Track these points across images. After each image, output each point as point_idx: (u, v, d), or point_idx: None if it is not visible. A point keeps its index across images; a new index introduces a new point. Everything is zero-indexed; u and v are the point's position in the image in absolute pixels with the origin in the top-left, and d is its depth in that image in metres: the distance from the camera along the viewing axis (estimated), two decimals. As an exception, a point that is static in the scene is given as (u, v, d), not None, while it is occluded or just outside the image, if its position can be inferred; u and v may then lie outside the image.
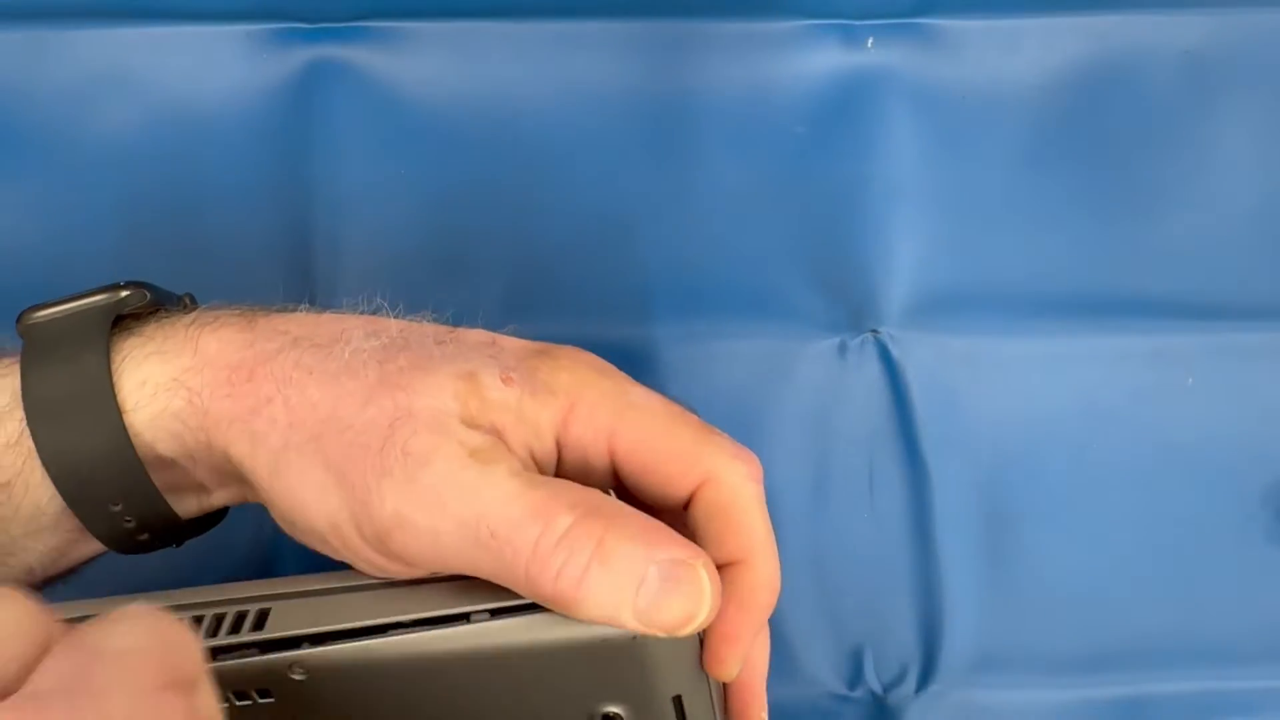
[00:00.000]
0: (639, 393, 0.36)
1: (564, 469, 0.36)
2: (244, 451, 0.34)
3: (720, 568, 0.33)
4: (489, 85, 0.50)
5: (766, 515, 0.36)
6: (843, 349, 0.50)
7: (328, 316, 0.37)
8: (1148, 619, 0.48)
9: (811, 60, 0.51)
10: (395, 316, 0.37)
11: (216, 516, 0.39)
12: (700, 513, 0.35)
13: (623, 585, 0.31)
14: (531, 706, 0.33)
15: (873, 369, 0.50)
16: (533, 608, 0.32)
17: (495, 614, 0.33)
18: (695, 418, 0.36)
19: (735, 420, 0.49)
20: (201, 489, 0.37)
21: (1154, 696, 0.48)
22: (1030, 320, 0.50)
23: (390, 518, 0.32)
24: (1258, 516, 0.49)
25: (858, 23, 0.51)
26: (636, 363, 0.49)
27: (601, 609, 0.31)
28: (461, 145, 0.50)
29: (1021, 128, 0.51)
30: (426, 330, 0.36)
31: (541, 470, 0.35)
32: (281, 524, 0.35)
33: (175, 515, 0.37)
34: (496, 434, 0.33)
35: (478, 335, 0.37)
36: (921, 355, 0.50)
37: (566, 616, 0.32)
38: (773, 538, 0.36)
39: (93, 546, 0.37)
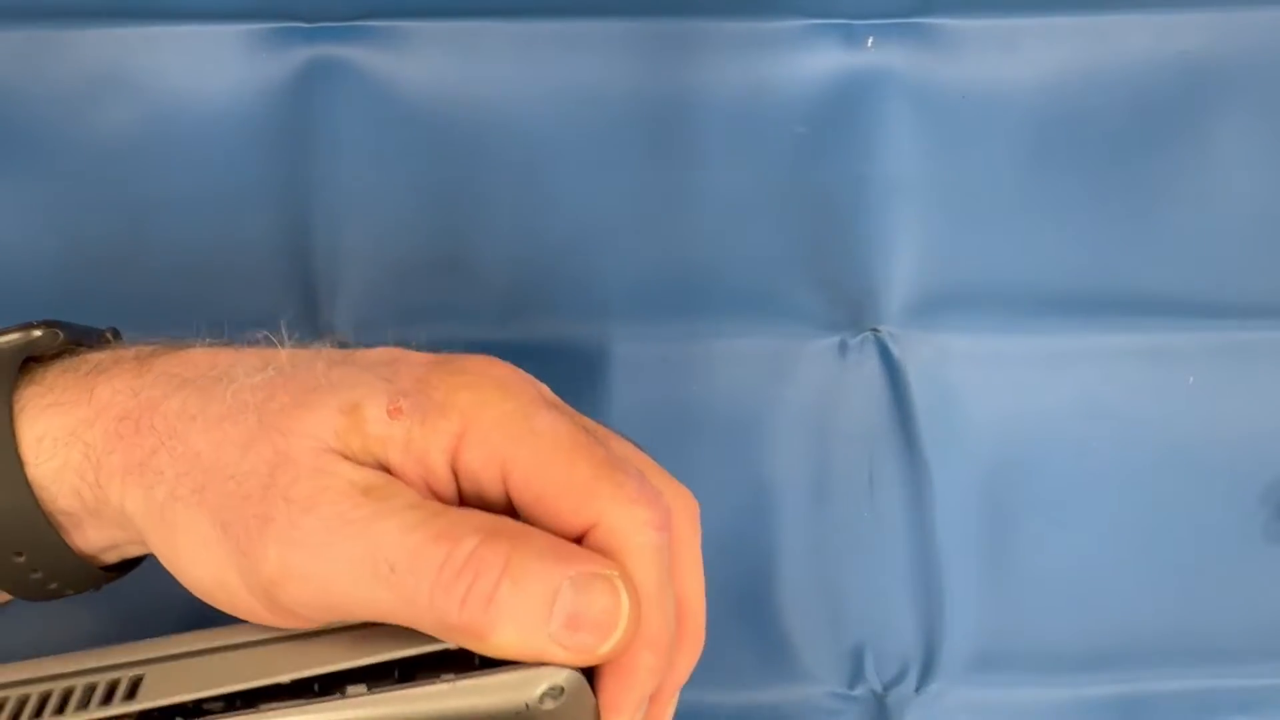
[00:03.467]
0: (546, 418, 0.32)
1: (464, 499, 0.33)
2: (136, 506, 0.33)
3: None
4: (489, 85, 0.50)
5: (663, 568, 0.32)
6: (843, 348, 0.50)
7: (222, 353, 0.35)
8: (1147, 617, 0.49)
9: (811, 60, 0.51)
10: (292, 341, 0.35)
11: (138, 560, 0.38)
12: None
13: (536, 603, 0.29)
14: None
15: (873, 368, 0.50)
16: (430, 661, 0.31)
17: (373, 684, 0.31)
18: (604, 452, 0.32)
19: (735, 420, 0.49)
20: (114, 539, 0.36)
21: (1153, 695, 0.48)
22: (1030, 319, 0.50)
23: (276, 569, 0.30)
24: (1257, 515, 0.49)
25: (858, 22, 0.51)
26: (637, 363, 0.49)
27: (515, 631, 0.29)
28: (461, 145, 0.50)
29: (1021, 127, 0.51)
30: (319, 356, 0.34)
31: (441, 501, 0.33)
32: (177, 578, 0.34)
33: (88, 564, 0.36)
34: (385, 470, 0.32)
35: (377, 354, 0.35)
36: (922, 354, 0.50)
37: (458, 683, 0.30)
38: (666, 595, 0.32)
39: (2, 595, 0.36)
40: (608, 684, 0.32)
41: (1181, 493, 0.49)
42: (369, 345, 0.48)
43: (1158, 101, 0.51)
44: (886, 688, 0.49)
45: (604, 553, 0.31)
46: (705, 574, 0.48)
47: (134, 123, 0.50)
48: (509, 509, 0.33)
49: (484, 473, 0.32)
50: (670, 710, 0.36)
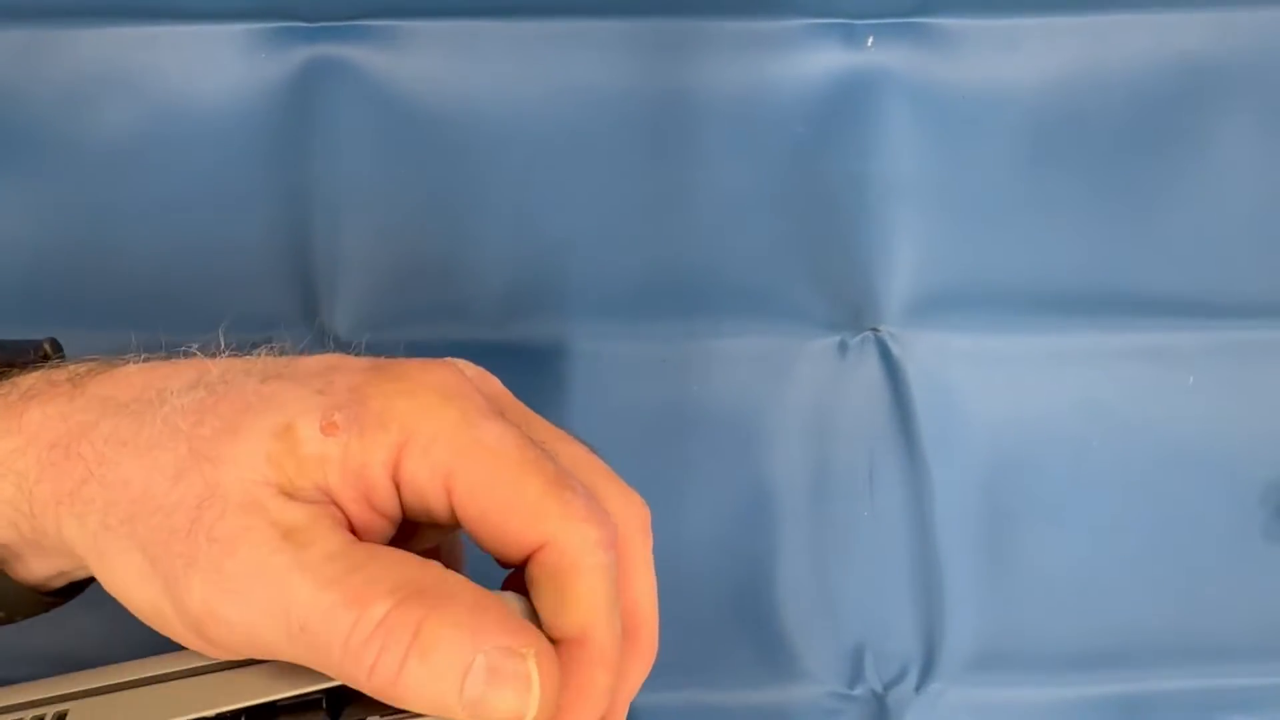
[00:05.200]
0: (492, 429, 0.31)
1: (407, 512, 0.32)
2: (73, 534, 0.31)
3: (556, 644, 0.31)
4: (489, 85, 0.50)
5: (612, 585, 0.31)
6: (843, 348, 0.50)
7: (157, 370, 0.33)
8: (1147, 616, 0.49)
9: (811, 59, 0.51)
10: (228, 350, 0.34)
11: (85, 583, 0.37)
12: (535, 578, 0.31)
13: (444, 678, 0.28)
14: None
15: (873, 367, 0.50)
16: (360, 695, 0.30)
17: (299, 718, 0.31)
18: (552, 468, 0.31)
19: (735, 420, 0.49)
20: (59, 567, 0.35)
21: (1153, 694, 0.48)
22: (1030, 318, 0.50)
23: (200, 609, 0.29)
24: (1257, 514, 0.49)
25: (858, 22, 0.51)
26: (636, 363, 0.49)
27: (425, 703, 0.28)
28: (461, 144, 0.50)
29: (1021, 126, 0.51)
30: (253, 368, 0.32)
31: (384, 517, 0.32)
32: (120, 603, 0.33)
33: (32, 594, 0.35)
34: (323, 493, 0.30)
35: (313, 364, 0.33)
36: (921, 353, 0.50)
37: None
38: (615, 614, 0.32)
39: None
40: (566, 699, 0.31)
41: (1181, 492, 0.49)
42: (369, 345, 0.48)
43: (1158, 101, 0.51)
44: (886, 688, 0.49)
45: (555, 574, 0.31)
46: (706, 574, 0.48)
47: (134, 123, 0.50)
48: (456, 521, 0.32)
49: (428, 486, 0.31)
50: (622, 717, 0.35)
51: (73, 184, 0.50)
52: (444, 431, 0.30)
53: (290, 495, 0.30)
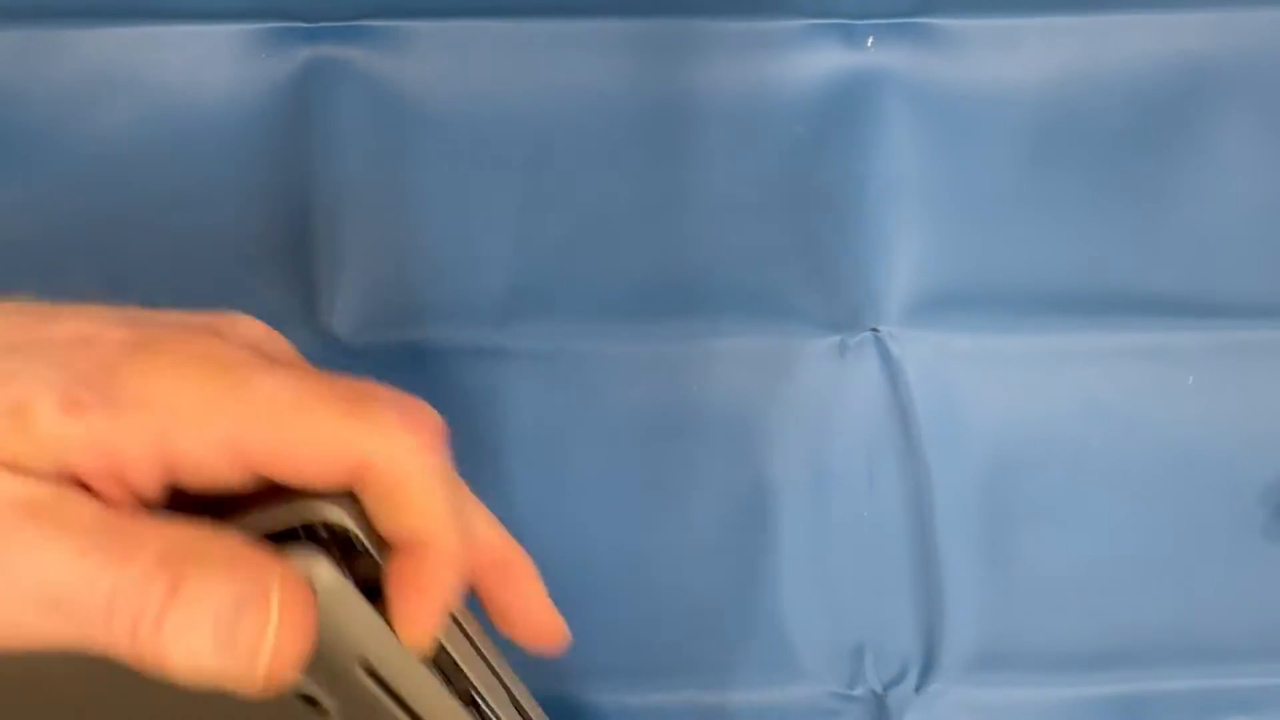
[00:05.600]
0: (267, 380, 0.29)
1: (191, 487, 0.30)
2: None
3: (407, 553, 0.30)
4: (489, 85, 0.50)
5: (445, 487, 0.30)
6: (842, 348, 0.50)
7: None
8: (1147, 617, 0.49)
9: (811, 60, 0.51)
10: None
11: None
12: (369, 499, 0.30)
13: (199, 624, 0.27)
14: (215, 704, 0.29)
15: (873, 367, 0.50)
16: None
17: None
18: (347, 386, 0.30)
19: (734, 420, 0.49)
20: None
21: (1154, 694, 0.48)
22: (1030, 318, 0.50)
23: None
24: (1256, 514, 0.49)
25: (858, 22, 0.51)
26: (636, 363, 0.49)
27: (187, 656, 0.27)
28: (461, 145, 0.50)
29: (1021, 127, 0.51)
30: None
31: (141, 497, 0.29)
32: None
33: None
34: (66, 472, 0.28)
35: (65, 331, 0.29)
36: (921, 353, 0.50)
37: None
38: (451, 510, 0.30)
39: None
40: (415, 598, 0.30)
41: (1181, 492, 0.49)
42: (368, 344, 0.48)
43: (1158, 101, 0.51)
44: (886, 688, 0.49)
45: (385, 489, 0.29)
46: (705, 574, 0.49)
47: (134, 123, 0.50)
48: (266, 484, 0.30)
49: (213, 460, 0.29)
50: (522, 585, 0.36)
51: (73, 184, 0.50)
52: (216, 401, 0.28)
53: (28, 473, 0.27)
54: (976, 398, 0.49)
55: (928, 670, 0.49)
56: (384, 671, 0.30)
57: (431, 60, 0.50)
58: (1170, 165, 0.51)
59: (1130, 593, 0.49)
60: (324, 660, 0.29)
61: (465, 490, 0.34)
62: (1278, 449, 0.49)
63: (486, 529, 0.36)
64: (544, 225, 0.50)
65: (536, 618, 0.37)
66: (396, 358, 0.49)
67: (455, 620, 0.34)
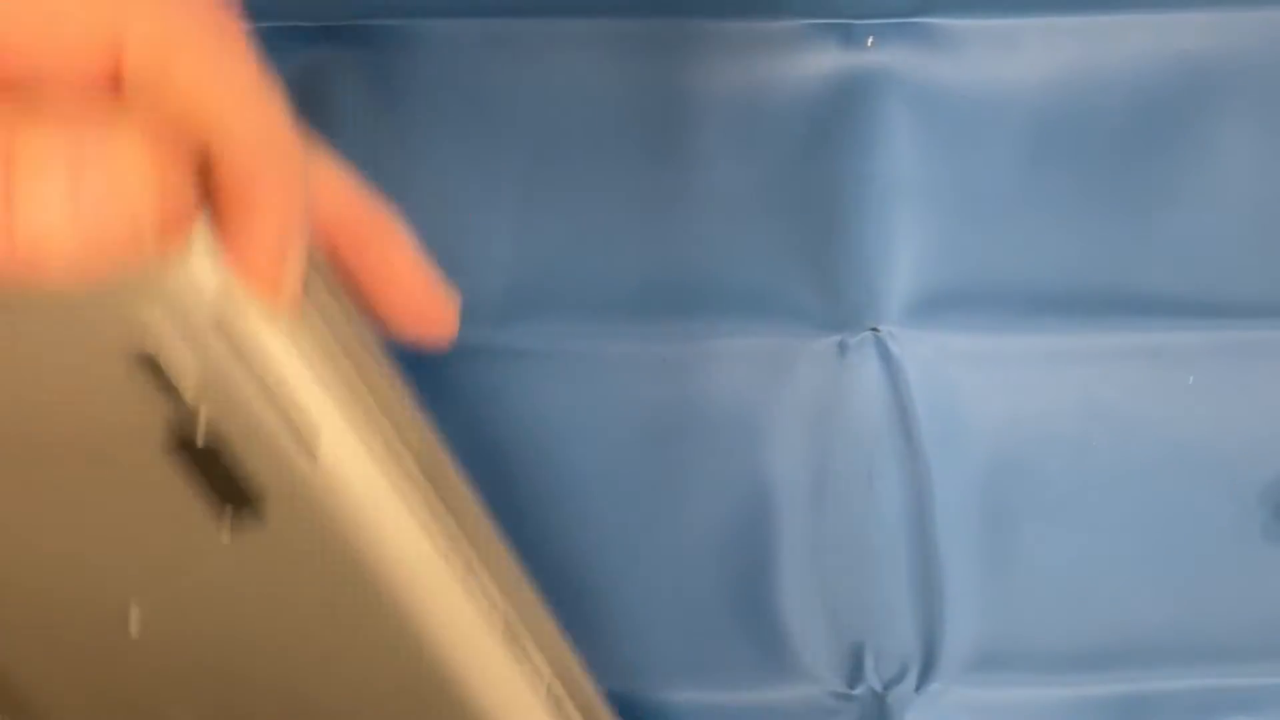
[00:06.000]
0: None
1: None
2: None
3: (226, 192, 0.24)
4: (489, 85, 0.50)
5: (236, 66, 0.24)
6: (842, 348, 0.50)
7: None
8: (1148, 616, 0.49)
9: (811, 59, 0.51)
10: None
11: None
12: (131, 95, 0.23)
13: (52, 196, 0.21)
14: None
15: (873, 367, 0.50)
16: None
17: None
18: None
19: (734, 420, 0.49)
20: None
21: (1154, 694, 0.48)
22: (1031, 318, 0.50)
23: None
24: (1257, 514, 0.49)
25: (857, 22, 0.51)
26: (636, 363, 0.49)
27: (36, 225, 0.21)
28: (461, 144, 0.50)
29: (1022, 126, 0.51)
30: None
31: None
32: None
33: None
34: None
35: None
36: (922, 353, 0.50)
37: None
38: (251, 91, 0.25)
39: None
40: (230, 219, 0.25)
41: (1182, 492, 0.49)
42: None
43: (1158, 101, 0.51)
44: (886, 687, 0.49)
45: (146, 76, 0.23)
46: (705, 574, 0.48)
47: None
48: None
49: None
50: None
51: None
52: None
53: None
54: (977, 397, 0.49)
55: (928, 669, 0.49)
56: (246, 337, 0.26)
57: (431, 59, 0.50)
58: (1171, 165, 0.51)
59: (1131, 592, 0.49)
60: (178, 314, 0.25)
61: (308, 139, 0.27)
62: (1278, 449, 0.49)
63: (336, 183, 0.30)
64: (543, 225, 0.50)
65: (409, 286, 0.32)
66: (394, 357, 0.49)
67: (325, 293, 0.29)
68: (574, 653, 0.37)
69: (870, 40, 0.51)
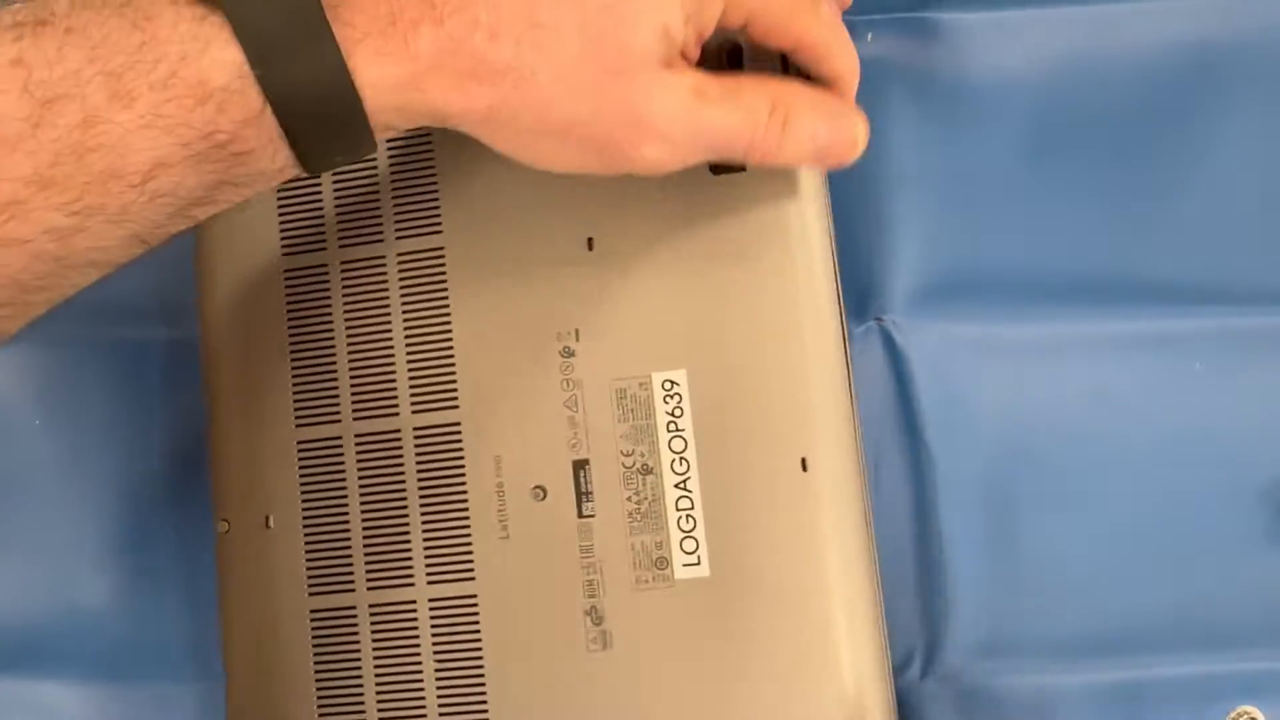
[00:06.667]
0: None
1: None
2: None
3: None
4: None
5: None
6: (848, 337, 0.50)
7: None
8: (1150, 603, 0.48)
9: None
10: None
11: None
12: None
13: (803, 145, 0.40)
14: None
15: (877, 357, 0.50)
16: None
17: None
18: None
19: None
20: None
21: (1156, 680, 0.48)
22: (1035, 306, 0.50)
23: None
24: (1260, 500, 0.49)
25: (858, 18, 0.51)
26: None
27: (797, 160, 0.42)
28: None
29: (1024, 116, 0.51)
30: None
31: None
32: None
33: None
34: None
35: None
36: (925, 343, 0.50)
37: None
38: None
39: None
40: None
41: (1186, 478, 0.48)
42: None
43: (1162, 89, 0.51)
44: (893, 674, 0.49)
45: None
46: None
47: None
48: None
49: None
50: None
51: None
52: None
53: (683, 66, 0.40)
54: (980, 386, 0.50)
55: (932, 657, 0.49)
56: None
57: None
58: (1176, 152, 0.50)
59: (1134, 578, 0.48)
60: None
61: None
62: (1282, 436, 0.49)
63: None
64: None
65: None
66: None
67: None
68: None
69: (870, 36, 0.51)
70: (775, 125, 0.39)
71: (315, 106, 0.35)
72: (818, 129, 0.40)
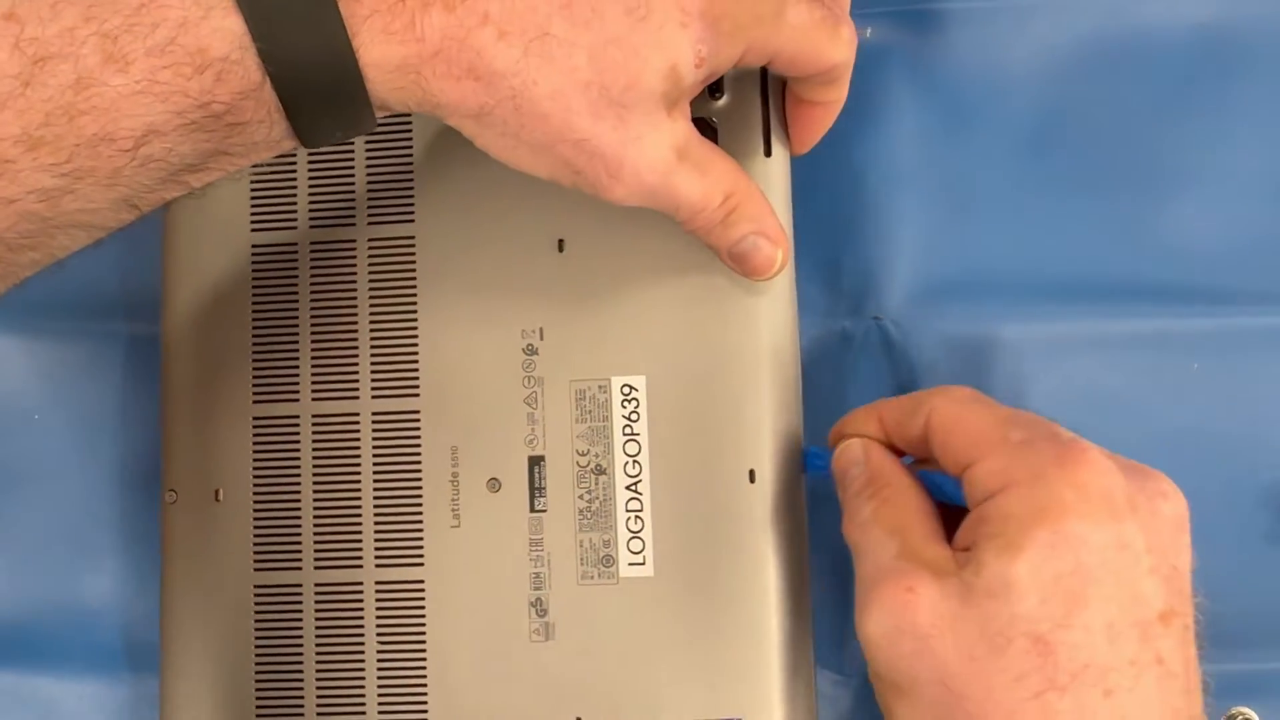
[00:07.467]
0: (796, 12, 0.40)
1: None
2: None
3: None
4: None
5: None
6: (846, 337, 0.50)
7: None
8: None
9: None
10: None
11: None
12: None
13: (742, 232, 0.42)
14: None
15: (875, 356, 0.50)
16: None
17: None
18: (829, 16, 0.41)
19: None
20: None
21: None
22: (1033, 305, 0.49)
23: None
24: (1260, 501, 0.48)
25: (856, 12, 0.50)
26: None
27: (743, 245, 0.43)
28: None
29: (1023, 113, 0.50)
30: None
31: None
32: None
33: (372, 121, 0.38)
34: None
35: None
36: (924, 342, 0.50)
37: None
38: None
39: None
40: None
41: (1185, 479, 0.46)
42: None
43: (1163, 84, 0.50)
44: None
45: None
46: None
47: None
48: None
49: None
50: None
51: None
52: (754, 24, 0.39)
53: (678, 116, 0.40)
54: (979, 385, 0.48)
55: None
56: None
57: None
58: (1176, 150, 0.50)
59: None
60: None
61: None
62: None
63: None
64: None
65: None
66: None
67: None
68: None
69: (869, 31, 0.50)
70: (721, 213, 0.41)
71: (316, 82, 0.35)
72: (748, 234, 0.42)
